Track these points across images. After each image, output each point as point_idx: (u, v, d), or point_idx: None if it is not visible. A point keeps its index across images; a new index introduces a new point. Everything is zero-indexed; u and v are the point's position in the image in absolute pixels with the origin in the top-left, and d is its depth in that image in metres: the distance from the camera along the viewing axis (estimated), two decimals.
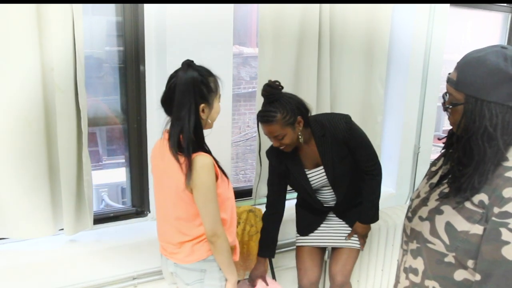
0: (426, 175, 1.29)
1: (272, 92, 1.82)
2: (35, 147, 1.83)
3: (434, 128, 3.05)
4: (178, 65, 1.58)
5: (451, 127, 1.14)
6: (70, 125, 1.87)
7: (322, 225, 2.18)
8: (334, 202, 2.11)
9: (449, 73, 1.09)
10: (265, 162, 2.20)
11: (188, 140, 1.51)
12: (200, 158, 1.51)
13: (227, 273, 1.65)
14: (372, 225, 2.51)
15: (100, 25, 2.29)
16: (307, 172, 2.03)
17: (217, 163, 1.59)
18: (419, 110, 2.88)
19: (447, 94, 1.09)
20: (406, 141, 2.89)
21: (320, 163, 2.00)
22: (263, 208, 2.39)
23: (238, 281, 2.24)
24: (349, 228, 2.17)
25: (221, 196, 1.60)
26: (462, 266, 1.06)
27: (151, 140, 2.20)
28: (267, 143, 2.42)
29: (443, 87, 1.13)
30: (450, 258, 1.08)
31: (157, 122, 2.13)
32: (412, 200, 1.28)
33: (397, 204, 2.89)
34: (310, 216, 2.19)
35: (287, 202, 2.16)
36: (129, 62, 2.13)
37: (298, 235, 2.24)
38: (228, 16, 2.11)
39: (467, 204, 1.05)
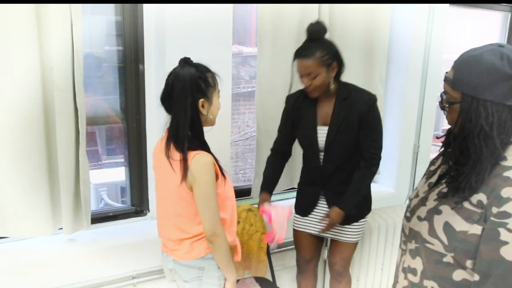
0: (425, 174, 1.29)
1: (318, 30, 1.85)
2: (34, 147, 1.83)
3: (433, 128, 3.06)
4: (177, 65, 1.58)
5: (449, 126, 1.14)
6: (69, 125, 1.87)
7: (317, 213, 2.13)
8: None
9: (446, 72, 1.09)
10: (265, 161, 2.20)
11: (184, 136, 1.51)
12: (200, 157, 1.51)
13: (226, 272, 1.65)
14: (372, 224, 2.53)
15: (99, 24, 2.29)
16: (318, 127, 2.01)
17: (217, 162, 1.59)
18: (419, 110, 2.88)
19: (445, 93, 1.09)
20: (406, 141, 2.89)
21: (328, 123, 1.98)
22: None
23: (238, 280, 2.25)
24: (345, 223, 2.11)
25: (221, 196, 1.60)
26: (461, 266, 1.06)
27: (150, 139, 2.20)
28: (265, 142, 2.42)
29: (442, 87, 1.13)
30: (448, 258, 1.08)
31: (156, 121, 2.13)
32: (410, 199, 1.28)
33: (396, 203, 2.88)
34: (309, 195, 2.14)
35: (285, 202, 2.16)
36: (128, 62, 2.13)
37: (296, 216, 2.22)
38: (227, 15, 2.11)
39: (466, 204, 1.05)
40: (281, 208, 1.92)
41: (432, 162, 1.29)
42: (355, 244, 2.18)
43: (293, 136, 2.11)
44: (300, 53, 1.87)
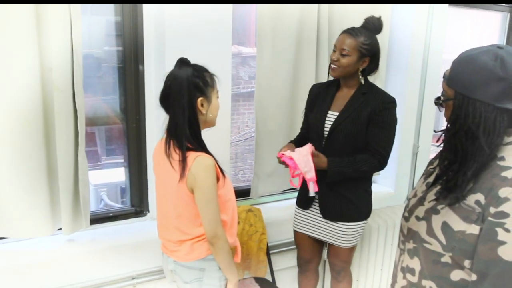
0: (423, 174, 1.30)
1: (374, 24, 1.93)
2: (33, 147, 1.83)
3: (433, 128, 3.06)
4: None
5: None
6: (68, 125, 1.88)
7: (316, 215, 2.11)
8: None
9: (446, 70, 1.11)
10: (264, 161, 2.20)
11: (183, 135, 1.52)
12: (201, 160, 1.52)
13: (228, 273, 1.65)
14: (371, 224, 2.53)
15: (99, 25, 2.29)
16: (329, 112, 2.02)
17: (217, 164, 1.60)
18: (418, 110, 2.88)
19: (443, 90, 1.11)
20: (405, 141, 2.89)
21: (340, 110, 1.98)
22: (262, 208, 2.40)
23: (238, 281, 2.25)
24: (341, 227, 2.06)
25: (222, 198, 1.60)
26: (459, 266, 1.06)
27: (150, 139, 2.20)
28: (265, 143, 2.43)
29: (441, 87, 1.14)
30: (446, 258, 1.08)
31: (156, 121, 2.13)
32: (409, 199, 1.28)
33: (396, 203, 2.89)
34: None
35: (284, 202, 2.16)
36: (128, 62, 2.13)
37: (296, 212, 2.21)
38: (226, 16, 2.11)
39: (464, 204, 1.05)
40: (300, 149, 1.89)
41: (431, 162, 1.29)
42: (352, 248, 2.17)
43: None
44: (347, 30, 1.92)
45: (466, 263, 1.04)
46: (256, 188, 2.48)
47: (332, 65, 1.94)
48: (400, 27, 2.76)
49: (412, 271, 1.20)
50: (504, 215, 0.96)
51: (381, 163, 1.97)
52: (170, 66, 1.59)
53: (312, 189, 1.89)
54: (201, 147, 1.57)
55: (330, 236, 2.10)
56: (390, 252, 2.65)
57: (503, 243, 0.96)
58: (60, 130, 1.86)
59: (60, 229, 2.01)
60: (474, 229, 1.02)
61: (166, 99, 1.56)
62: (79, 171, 1.94)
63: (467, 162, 1.03)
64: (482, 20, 3.70)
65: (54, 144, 1.88)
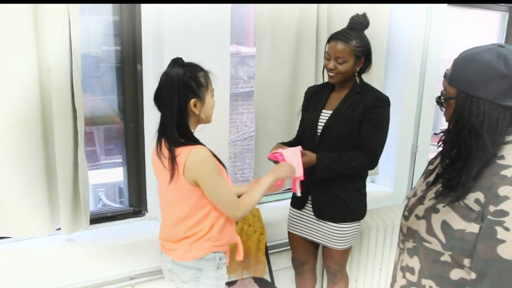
0: (423, 173, 1.30)
1: (361, 22, 1.92)
2: (32, 147, 1.83)
3: (432, 128, 3.06)
4: None
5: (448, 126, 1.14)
6: (67, 125, 1.87)
7: (309, 216, 2.11)
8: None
9: (447, 69, 1.11)
10: (264, 161, 2.20)
11: (172, 135, 1.52)
12: (196, 151, 1.52)
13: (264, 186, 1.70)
14: (370, 224, 2.53)
15: (97, 24, 2.28)
16: (323, 111, 2.03)
17: (216, 157, 1.60)
18: (417, 110, 2.88)
19: (444, 89, 1.10)
20: (404, 141, 2.89)
21: (334, 108, 1.99)
22: (261, 208, 2.40)
23: (236, 281, 2.25)
24: (335, 228, 2.05)
25: None
26: (458, 265, 1.06)
27: (148, 139, 2.20)
28: (264, 142, 2.42)
29: (440, 87, 1.14)
30: (446, 257, 1.08)
31: (154, 121, 2.12)
32: (408, 198, 1.28)
33: (394, 203, 2.89)
34: (303, 187, 2.00)
35: (283, 202, 2.15)
36: (126, 62, 2.13)
37: (291, 213, 2.20)
38: (225, 15, 2.11)
39: (463, 203, 1.05)
40: (291, 150, 1.88)
41: (431, 162, 1.29)
42: (347, 250, 2.15)
43: None
44: (337, 36, 1.90)
45: (466, 262, 1.04)
46: None
47: (330, 73, 1.93)
48: (399, 27, 2.76)
49: (411, 270, 1.19)
50: (504, 213, 0.96)
51: (371, 160, 1.94)
52: None
53: (298, 189, 1.87)
54: (193, 141, 1.57)
55: (324, 238, 2.09)
56: (389, 252, 2.65)
57: (502, 241, 0.96)
58: (59, 130, 1.85)
59: (59, 229, 2.00)
60: (473, 227, 1.02)
61: (158, 99, 1.57)
62: (79, 171, 1.94)
63: (470, 161, 1.03)
64: (481, 19, 3.70)
65: (52, 144, 1.88)
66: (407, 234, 1.22)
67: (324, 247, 2.16)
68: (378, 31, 2.65)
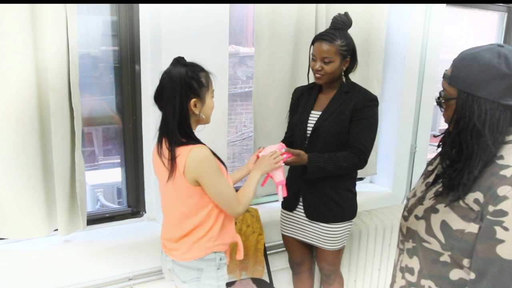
0: (422, 174, 1.30)
1: (344, 22, 1.92)
2: (29, 147, 1.82)
3: (430, 128, 3.06)
4: None
5: (447, 126, 1.14)
6: (64, 125, 1.87)
7: (302, 218, 2.10)
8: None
9: (446, 69, 1.10)
10: None
11: (173, 134, 1.52)
12: (196, 150, 1.51)
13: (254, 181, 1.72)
14: (369, 224, 2.53)
15: (95, 24, 2.28)
16: (312, 112, 2.03)
17: (217, 156, 1.60)
18: (416, 110, 2.88)
19: (443, 90, 1.10)
20: (403, 141, 2.89)
21: (323, 109, 1.99)
22: (259, 208, 2.40)
23: (235, 282, 2.25)
24: (326, 228, 2.05)
25: None
26: (458, 265, 1.06)
27: (146, 140, 2.19)
28: (263, 143, 2.42)
29: (439, 87, 1.14)
30: (445, 257, 1.08)
31: (152, 122, 2.12)
32: (408, 199, 1.28)
33: (393, 203, 2.88)
34: (291, 188, 2.02)
35: (278, 203, 2.15)
36: (124, 62, 2.12)
37: (282, 216, 2.19)
38: (223, 15, 2.10)
39: (462, 203, 1.05)
40: (269, 147, 1.86)
41: (430, 162, 1.29)
42: (339, 250, 2.14)
43: None
44: (321, 37, 1.91)
45: (465, 262, 1.04)
46: None
47: (317, 74, 1.94)
48: (398, 27, 2.76)
49: (411, 271, 1.19)
50: (503, 213, 0.96)
51: (361, 160, 1.94)
52: (166, 66, 1.58)
53: (281, 194, 1.84)
54: (195, 141, 1.57)
55: (316, 238, 2.09)
56: (388, 252, 2.65)
57: (501, 241, 0.96)
58: (56, 130, 1.85)
59: (57, 230, 2.00)
60: (473, 227, 1.01)
61: (159, 98, 1.56)
62: (76, 171, 1.93)
63: (472, 161, 1.03)
64: (479, 19, 3.71)
65: (50, 144, 1.87)
66: (406, 234, 1.22)
67: (317, 248, 2.16)
68: (376, 31, 2.65)
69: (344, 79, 2.00)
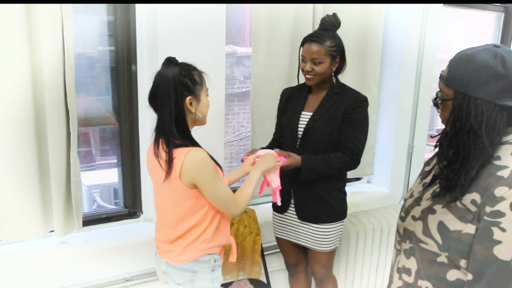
0: (419, 175, 1.29)
1: (332, 23, 1.92)
2: (25, 148, 1.81)
3: (427, 128, 3.06)
4: None
5: (444, 127, 1.14)
6: (60, 126, 1.86)
7: (293, 220, 2.10)
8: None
9: (442, 70, 1.10)
10: None
11: (170, 135, 1.51)
12: (194, 153, 1.50)
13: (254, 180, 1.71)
14: (366, 225, 2.53)
15: (92, 24, 2.27)
16: (302, 113, 2.02)
17: (213, 159, 1.59)
18: (413, 110, 2.88)
19: (439, 91, 1.10)
20: (400, 141, 2.89)
21: (314, 110, 1.99)
22: (256, 209, 2.39)
23: (232, 282, 2.24)
24: (318, 230, 2.04)
25: None
26: (455, 266, 1.06)
27: (143, 140, 2.19)
28: (260, 143, 2.42)
29: (436, 87, 1.13)
30: (442, 258, 1.08)
31: (149, 122, 2.11)
32: (405, 199, 1.28)
33: (391, 204, 2.88)
34: (283, 190, 1.96)
35: (269, 205, 2.14)
36: (120, 62, 2.12)
37: (274, 218, 2.19)
38: (220, 15, 2.10)
39: (460, 204, 1.04)
40: (263, 151, 1.87)
41: (427, 163, 1.29)
42: (331, 252, 2.13)
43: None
44: (310, 38, 1.91)
45: (462, 262, 1.04)
46: None
47: (307, 76, 1.94)
48: (395, 27, 2.76)
49: (408, 272, 1.19)
50: (500, 214, 0.96)
51: (354, 160, 1.95)
52: None
53: (279, 199, 1.86)
54: (191, 143, 1.56)
55: (309, 240, 2.08)
56: (385, 252, 2.65)
57: (498, 242, 0.96)
58: (52, 131, 1.84)
59: (53, 231, 1.99)
60: (470, 228, 1.01)
61: (154, 99, 1.55)
62: (71, 172, 1.92)
63: (469, 161, 1.03)
64: (476, 20, 3.71)
65: (45, 145, 1.86)
66: (403, 235, 1.22)
67: (310, 250, 2.15)
68: (373, 31, 2.65)
69: (334, 80, 2.00)
